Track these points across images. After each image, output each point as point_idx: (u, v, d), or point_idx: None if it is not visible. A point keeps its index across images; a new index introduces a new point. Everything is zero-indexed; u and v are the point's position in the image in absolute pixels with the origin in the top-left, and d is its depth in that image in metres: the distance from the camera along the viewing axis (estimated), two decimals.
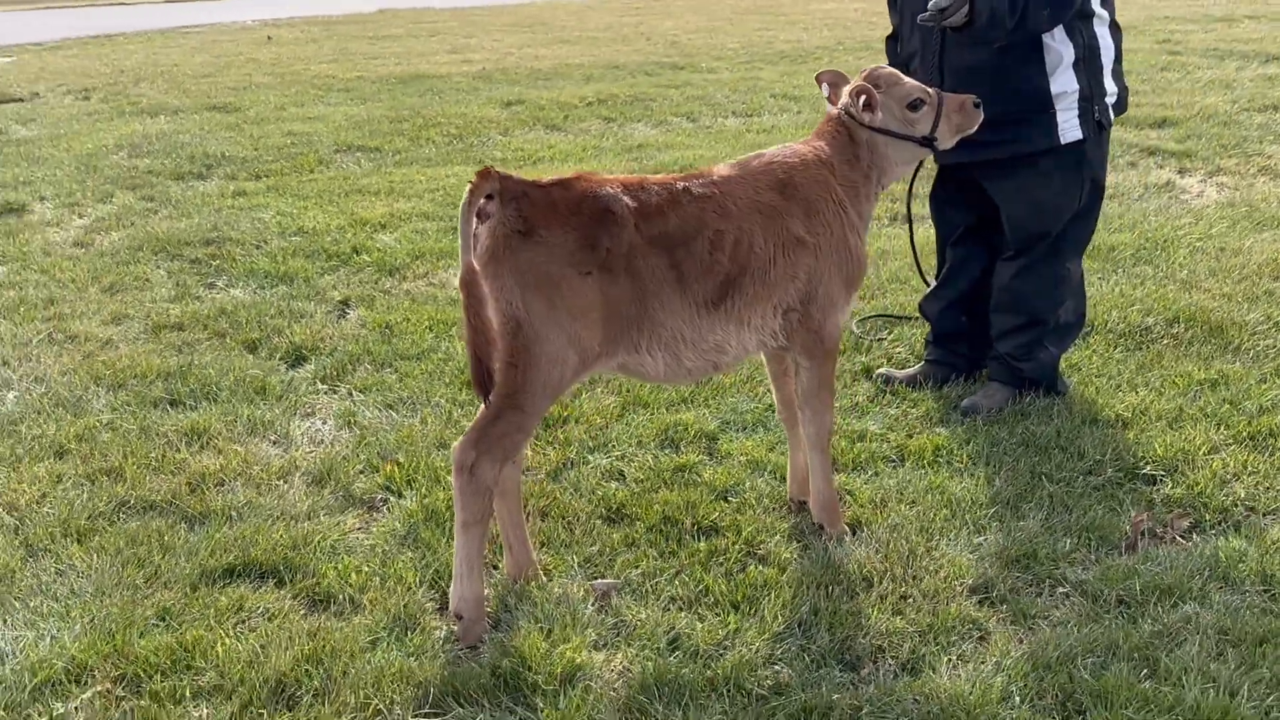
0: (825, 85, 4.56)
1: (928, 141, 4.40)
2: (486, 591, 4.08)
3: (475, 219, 3.80)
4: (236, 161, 10.98)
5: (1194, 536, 4.38)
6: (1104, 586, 4.03)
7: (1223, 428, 5.02)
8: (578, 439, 5.16)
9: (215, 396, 5.65)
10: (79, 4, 37.63)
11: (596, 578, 4.18)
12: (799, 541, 4.37)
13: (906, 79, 4.46)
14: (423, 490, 4.73)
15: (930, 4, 4.72)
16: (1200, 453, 4.85)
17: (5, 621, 3.89)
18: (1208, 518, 4.48)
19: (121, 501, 4.66)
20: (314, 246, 8.06)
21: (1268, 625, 3.78)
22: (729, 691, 3.55)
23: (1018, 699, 3.49)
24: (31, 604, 3.99)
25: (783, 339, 4.27)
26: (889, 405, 5.42)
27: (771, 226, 4.13)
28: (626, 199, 3.90)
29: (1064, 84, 5.00)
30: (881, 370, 5.68)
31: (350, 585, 4.11)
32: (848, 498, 4.65)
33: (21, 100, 15.42)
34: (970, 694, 3.52)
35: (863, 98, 4.32)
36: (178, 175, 10.54)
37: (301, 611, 3.98)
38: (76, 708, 3.44)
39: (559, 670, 3.63)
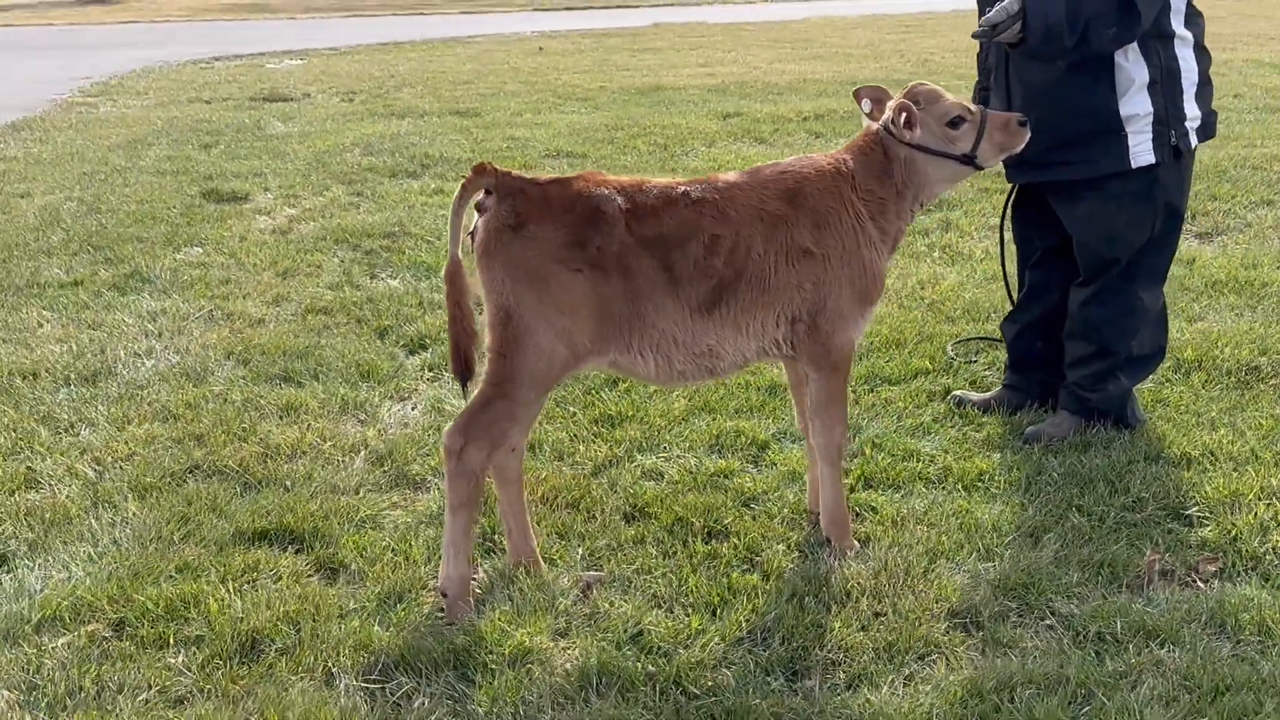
0: (866, 101, 4.54)
1: (968, 159, 4.32)
2: (480, 574, 4.24)
3: (476, 213, 3.99)
4: (450, 162, 11.47)
5: (1216, 582, 4.17)
6: (1089, 622, 3.91)
7: None
8: (631, 438, 5.26)
9: (323, 377, 5.99)
10: (382, 13, 39.73)
11: (592, 569, 4.28)
12: (801, 553, 4.37)
13: (947, 96, 4.40)
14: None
15: (983, 19, 4.64)
16: (1250, 497, 4.60)
17: (45, 561, 4.28)
18: (1238, 564, 4.26)
19: (195, 465, 5.01)
20: None
21: (1234, 674, 3.60)
22: (664, 688, 3.61)
23: None
24: (73, 549, 4.37)
25: (789, 349, 4.29)
26: (953, 427, 5.33)
27: (774, 235, 4.15)
28: (619, 199, 4.00)
29: (1136, 106, 4.84)
30: (956, 393, 5.58)
31: (363, 557, 4.34)
32: (868, 514, 4.62)
33: (291, 100, 16.45)
34: (894, 713, 3.49)
35: (904, 115, 4.30)
36: (393, 173, 11.08)
37: (310, 577, 4.23)
38: (66, 644, 3.77)
39: (509, 651, 3.76)
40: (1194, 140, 4.95)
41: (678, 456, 5.11)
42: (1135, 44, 4.79)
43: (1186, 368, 5.80)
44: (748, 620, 3.94)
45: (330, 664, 3.71)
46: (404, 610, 4.03)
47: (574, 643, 3.84)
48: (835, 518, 4.44)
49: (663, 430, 5.36)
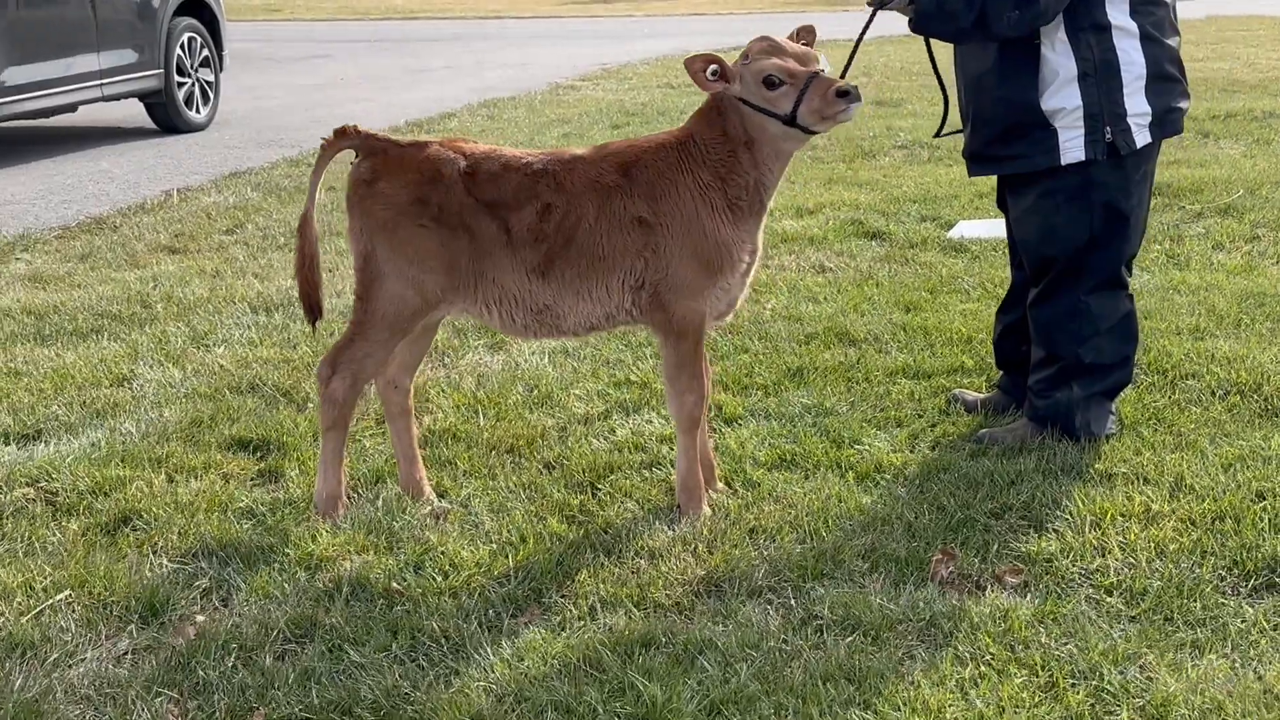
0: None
1: (790, 121, 4.25)
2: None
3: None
4: (816, 149, 11.63)
5: (1001, 593, 3.98)
6: (814, 606, 3.90)
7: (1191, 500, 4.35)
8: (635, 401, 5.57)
9: (459, 327, 6.60)
10: None
11: (444, 501, 4.72)
12: (653, 516, 4.55)
13: (779, 55, 4.28)
14: (460, 416, 5.44)
15: None
16: (1116, 517, 4.28)
17: (71, 435, 5.32)
18: (1043, 579, 4.03)
19: (270, 384, 5.89)
20: None
21: (841, 664, 3.53)
22: (397, 604, 4.02)
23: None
24: (112, 424, 5.38)
25: (636, 315, 4.50)
26: (922, 423, 5.22)
27: (607, 205, 4.37)
28: (462, 164, 4.41)
29: (1063, 100, 4.58)
30: (955, 391, 5.41)
31: (306, 469, 5.03)
32: (750, 489, 4.69)
33: None
34: (542, 649, 3.73)
35: (711, 67, 4.30)
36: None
37: (242, 478, 4.97)
38: (11, 500, 4.75)
39: (300, 556, 4.31)
40: (1141, 138, 4.59)
41: (656, 428, 5.31)
42: (1064, 34, 4.54)
43: (1223, 391, 5.25)
44: (528, 561, 4.22)
45: (165, 541, 4.42)
46: (278, 516, 4.66)
47: (366, 560, 4.30)
48: (685, 484, 4.58)
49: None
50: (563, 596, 4.03)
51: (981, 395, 5.31)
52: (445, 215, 4.37)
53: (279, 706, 3.48)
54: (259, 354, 6.25)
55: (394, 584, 4.12)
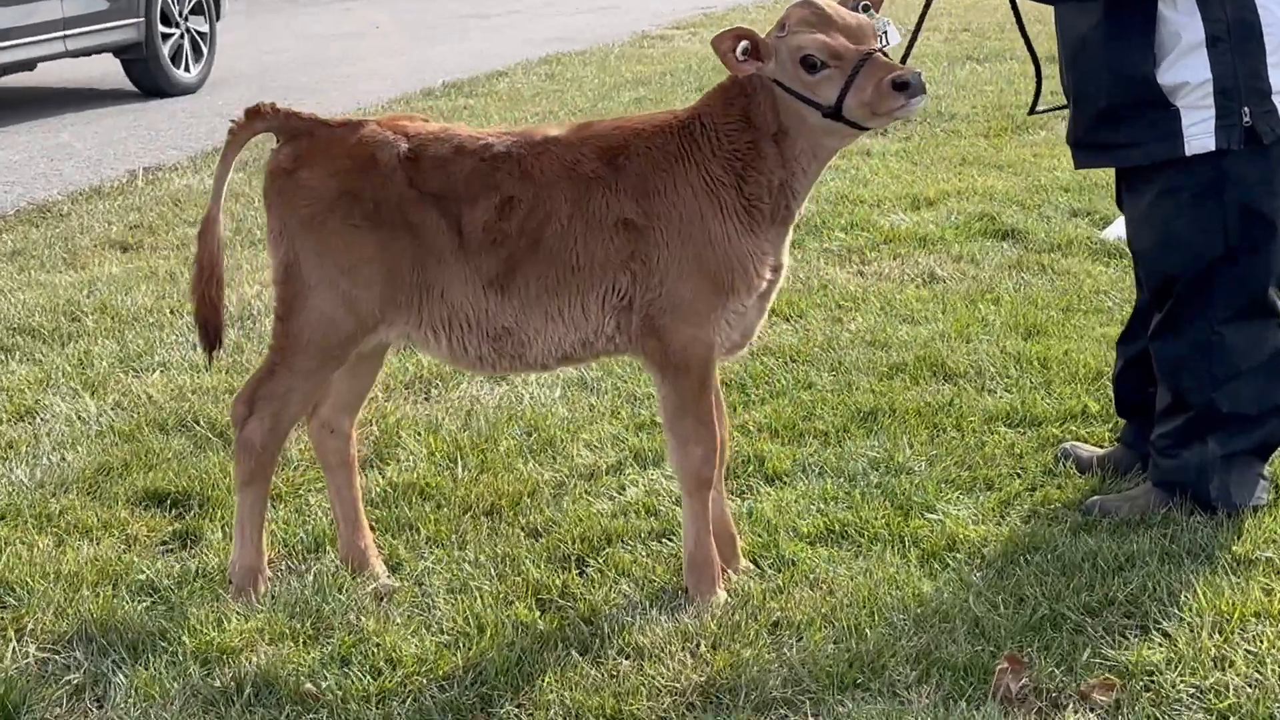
0: None
1: (834, 114, 4.17)
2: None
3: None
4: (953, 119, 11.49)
5: (1084, 715, 3.89)
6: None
7: None
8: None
9: None
10: None
11: (386, 579, 4.73)
12: (655, 602, 4.53)
13: (825, 28, 4.18)
14: (434, 467, 5.49)
15: None
16: (1255, 618, 4.20)
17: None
18: (1144, 701, 3.93)
19: (205, 421, 5.96)
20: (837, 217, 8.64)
21: None
22: (316, 708, 4.03)
23: None
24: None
25: (622, 344, 4.46)
26: (1018, 485, 5.12)
27: (583, 200, 4.33)
28: (403, 147, 4.39)
29: (1184, 72, 4.50)
30: (1066, 444, 5.30)
31: (230, 532, 5.05)
32: (788, 567, 4.65)
33: None
34: None
35: (741, 43, 4.20)
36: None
37: (150, 542, 5.03)
38: None
39: (198, 646, 4.33)
40: None
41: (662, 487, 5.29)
42: None
43: None
44: (482, 658, 4.22)
45: (36, 624, 4.49)
46: (185, 591, 4.71)
47: (280, 651, 4.32)
48: (694, 560, 4.53)
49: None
50: (518, 706, 4.03)
51: (1100, 451, 5.21)
52: (382, 212, 4.37)
53: None
54: (200, 382, 6.34)
55: (309, 685, 4.12)
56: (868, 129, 4.31)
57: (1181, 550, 4.57)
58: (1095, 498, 4.90)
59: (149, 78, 13.94)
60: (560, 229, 4.34)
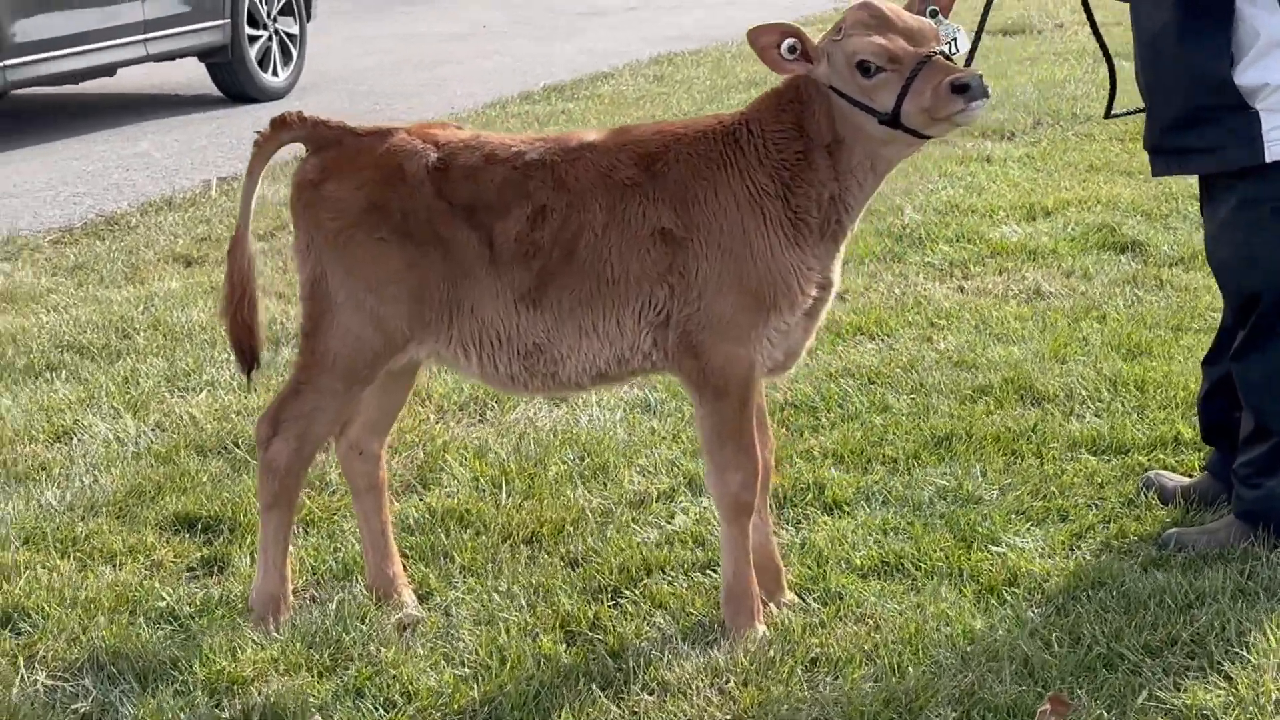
0: None
1: (893, 121, 4.25)
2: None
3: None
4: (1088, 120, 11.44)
5: None
6: None
7: None
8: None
9: None
10: None
11: (412, 610, 4.90)
12: (689, 636, 4.66)
13: (883, 30, 4.28)
14: (477, 493, 5.66)
15: None
16: None
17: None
18: None
19: (246, 443, 6.18)
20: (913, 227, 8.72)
21: None
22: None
23: None
24: (31, 492, 5.77)
25: (659, 361, 4.59)
26: (1094, 517, 5.18)
27: (619, 209, 4.46)
28: (432, 156, 4.56)
29: (1265, 73, 4.57)
30: (1150, 473, 5.34)
31: (252, 556, 5.27)
32: (834, 601, 4.75)
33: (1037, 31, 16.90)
34: None
35: (788, 40, 4.33)
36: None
37: (175, 569, 5.25)
38: None
39: (208, 676, 4.52)
40: None
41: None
42: None
43: None
44: (499, 691, 4.37)
45: (49, 651, 4.72)
46: (205, 619, 4.92)
47: (293, 682, 4.49)
48: (732, 591, 4.64)
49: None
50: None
51: (1186, 480, 5.24)
52: (411, 225, 4.54)
53: None
54: (246, 402, 6.55)
55: (317, 716, 4.29)
56: (928, 137, 4.37)
57: (1259, 587, 4.62)
58: (1173, 530, 4.94)
59: (235, 83, 14.30)
60: (594, 239, 4.47)
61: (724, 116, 4.62)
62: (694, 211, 4.46)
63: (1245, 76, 4.60)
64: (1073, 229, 8.51)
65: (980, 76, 4.17)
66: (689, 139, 4.54)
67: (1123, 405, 6.01)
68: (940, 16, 4.45)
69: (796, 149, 4.46)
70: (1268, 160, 4.59)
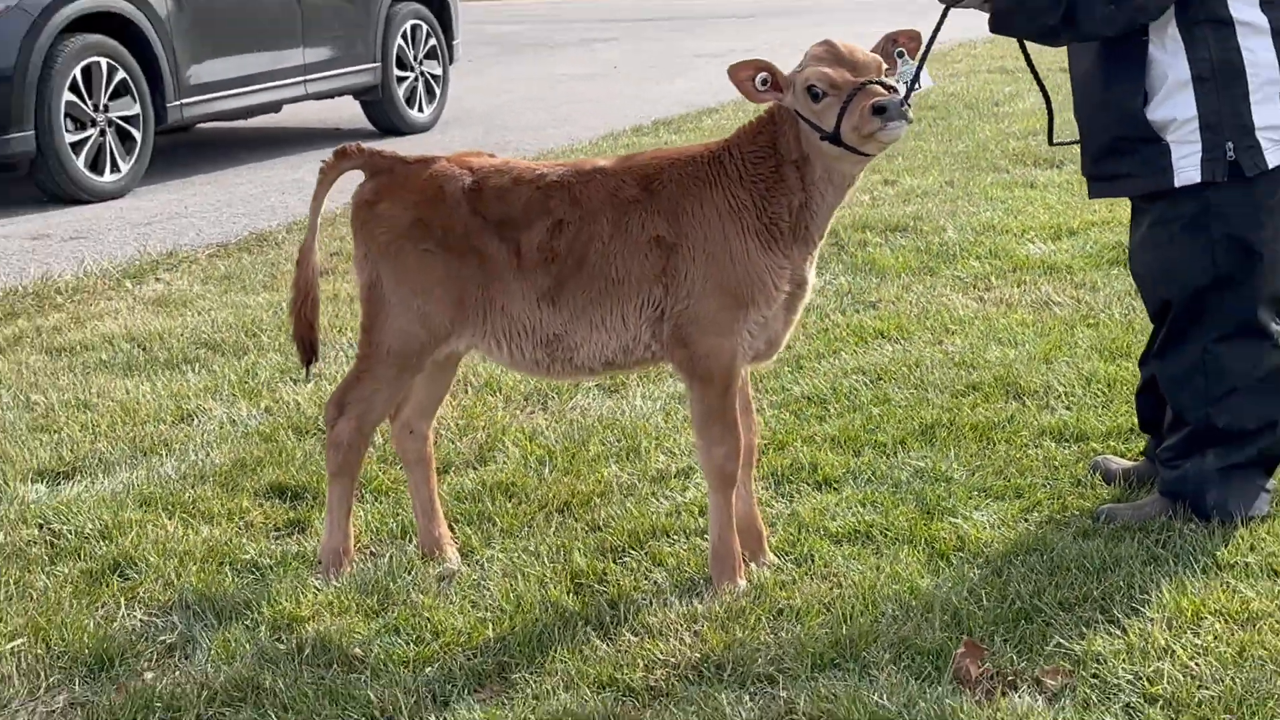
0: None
1: (835, 139, 4.52)
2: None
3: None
4: None
5: (1027, 698, 4.20)
6: (797, 698, 4.21)
7: None
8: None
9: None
10: None
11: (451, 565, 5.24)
12: (679, 589, 4.95)
13: (832, 62, 4.57)
14: (524, 468, 5.98)
15: None
16: (1213, 616, 4.43)
17: (106, 474, 6.13)
18: (1088, 686, 4.22)
19: None
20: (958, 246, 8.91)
21: None
22: (360, 669, 4.57)
23: None
24: (151, 464, 6.18)
25: (657, 351, 4.91)
26: (1044, 494, 5.39)
27: (623, 221, 4.80)
28: (467, 180, 4.93)
29: (1173, 109, 4.73)
30: (1098, 458, 5.54)
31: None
32: (806, 563, 5.01)
33: None
34: None
35: (760, 74, 4.64)
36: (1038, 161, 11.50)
37: (264, 528, 5.64)
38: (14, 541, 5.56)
39: (271, 614, 4.92)
40: (1274, 157, 4.70)
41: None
42: (1175, 30, 4.69)
43: None
44: (510, 632, 4.71)
45: (147, 593, 5.13)
46: (281, 570, 5.30)
47: (343, 622, 4.84)
48: (717, 552, 4.93)
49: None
50: (531, 673, 4.46)
51: (1129, 464, 5.42)
52: (450, 238, 4.90)
53: None
54: None
55: (357, 650, 4.65)
56: (867, 154, 4.63)
57: (1169, 554, 4.78)
58: (1107, 505, 5.12)
59: (385, 118, 14.82)
60: (602, 247, 4.81)
61: (712, 144, 4.93)
62: (684, 222, 4.78)
63: (1156, 113, 4.79)
64: (1090, 247, 8.65)
65: (898, 102, 4.45)
66: (681, 162, 4.87)
67: (1091, 400, 6.18)
68: (905, 56, 4.75)
69: (770, 165, 4.75)
70: (1176, 185, 4.77)
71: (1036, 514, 5.26)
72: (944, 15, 4.86)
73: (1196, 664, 4.19)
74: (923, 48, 4.84)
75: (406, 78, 14.94)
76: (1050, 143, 5.35)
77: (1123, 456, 5.62)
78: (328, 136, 14.98)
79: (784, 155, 4.73)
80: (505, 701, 4.33)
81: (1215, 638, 4.31)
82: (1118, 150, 4.86)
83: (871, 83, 4.54)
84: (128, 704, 4.38)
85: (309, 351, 5.22)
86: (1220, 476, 4.91)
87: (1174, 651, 4.26)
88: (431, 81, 15.31)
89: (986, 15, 4.84)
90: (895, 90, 4.58)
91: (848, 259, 8.88)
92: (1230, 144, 4.69)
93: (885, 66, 4.67)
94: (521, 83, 18.47)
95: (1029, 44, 5.17)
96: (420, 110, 15.11)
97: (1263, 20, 4.66)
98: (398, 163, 5.05)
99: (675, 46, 21.45)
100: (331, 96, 14.48)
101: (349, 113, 15.67)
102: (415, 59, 15.04)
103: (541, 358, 4.95)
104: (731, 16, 26.61)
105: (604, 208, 4.82)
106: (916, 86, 4.76)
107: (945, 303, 7.80)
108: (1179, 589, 4.56)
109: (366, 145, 5.12)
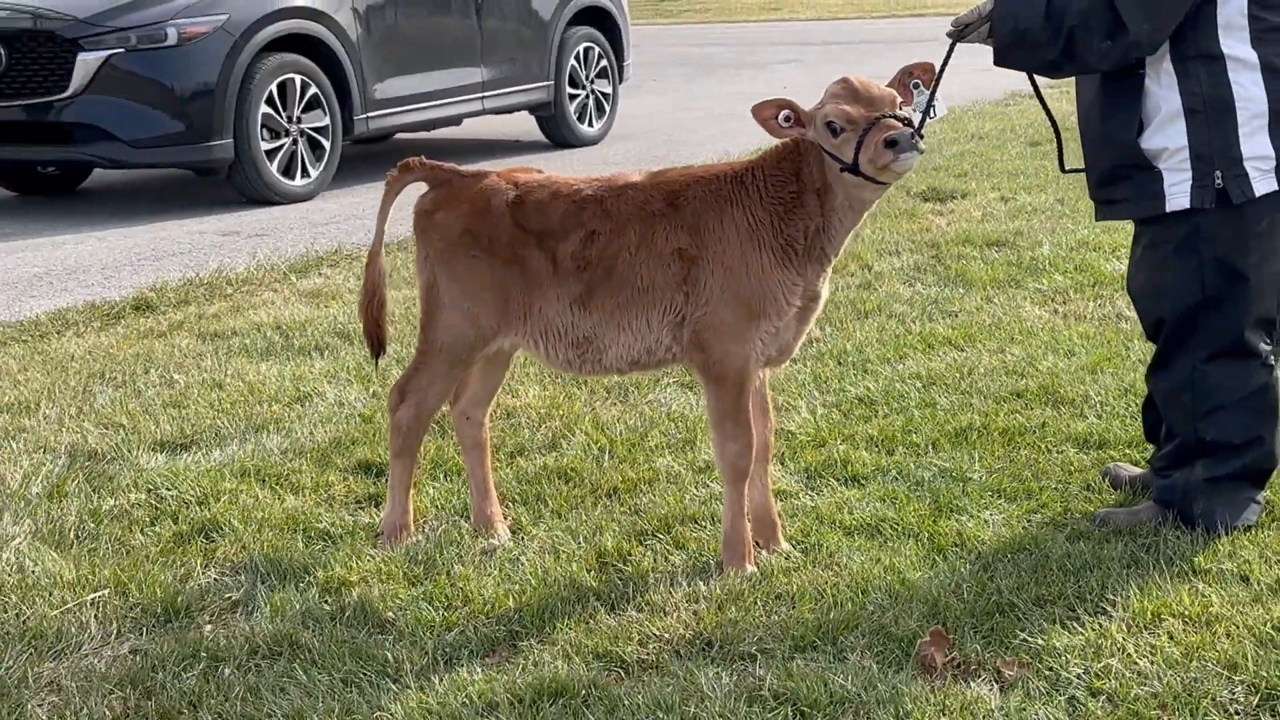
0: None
1: (854, 170, 4.55)
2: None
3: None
4: None
5: (984, 687, 4.16)
6: (765, 675, 4.23)
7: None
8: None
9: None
10: None
11: (495, 541, 5.34)
12: (693, 572, 4.99)
13: (850, 99, 4.58)
14: (584, 456, 6.04)
15: (955, 18, 4.80)
16: (1173, 618, 4.32)
17: (217, 447, 6.36)
18: (1040, 678, 4.16)
19: None
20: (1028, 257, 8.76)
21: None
22: (391, 632, 4.70)
23: None
24: (259, 439, 6.40)
25: (678, 354, 4.96)
26: (1054, 497, 5.30)
27: (649, 233, 4.85)
28: (511, 194, 5.04)
29: (1166, 139, 4.65)
30: (1110, 465, 5.42)
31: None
32: (813, 553, 5.01)
33: None
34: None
35: (783, 112, 4.68)
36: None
37: (345, 501, 5.80)
38: (120, 504, 5.81)
39: (324, 578, 5.07)
40: (1262, 185, 4.60)
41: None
42: (1169, 64, 4.63)
43: None
44: (527, 604, 4.79)
45: (225, 554, 5.32)
46: (349, 539, 5.45)
47: (387, 588, 4.97)
48: (729, 539, 4.96)
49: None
50: (536, 641, 4.53)
51: (1138, 471, 5.30)
52: (495, 247, 5.00)
53: (202, 715, 4.22)
54: None
55: (390, 614, 4.77)
56: (884, 182, 4.63)
57: (1151, 559, 4.68)
58: (1106, 509, 5.03)
59: (557, 132, 15.03)
60: (630, 257, 4.87)
61: (736, 164, 4.95)
62: (705, 236, 4.81)
63: (1150, 142, 4.71)
64: None
65: (910, 134, 4.42)
66: (706, 180, 4.89)
67: (1123, 410, 6.04)
68: (920, 87, 4.74)
69: (791, 190, 4.76)
70: (1168, 210, 4.69)
71: (1041, 516, 5.17)
72: (951, 49, 4.84)
73: (1144, 662, 4.10)
74: (935, 79, 4.81)
75: (579, 95, 15.07)
76: (1061, 170, 5.25)
77: (1136, 465, 5.47)
78: (506, 148, 15.22)
79: (806, 183, 4.75)
80: (507, 667, 4.39)
81: (1170, 638, 4.21)
82: (1117, 176, 4.79)
83: (885, 117, 4.52)
84: (177, 652, 4.53)
85: (376, 347, 5.35)
86: (1208, 487, 4.79)
87: (1127, 650, 4.17)
88: (601, 99, 15.45)
89: (991, 50, 4.77)
90: (910, 122, 4.56)
91: (942, 270, 8.76)
92: (1219, 173, 4.61)
93: (899, 100, 4.64)
94: (695, 99, 18.52)
95: (1038, 78, 5.08)
96: (590, 125, 15.28)
97: (1253, 56, 4.57)
98: (455, 176, 5.16)
99: (849, 69, 21.15)
100: (508, 112, 14.70)
101: (525, 126, 15.86)
102: (587, 78, 15.19)
103: (573, 357, 5.02)
104: (914, 41, 26.30)
105: (632, 220, 4.87)
106: (932, 115, 4.77)
107: (1020, 314, 7.67)
108: (1145, 592, 4.46)
109: (428, 160, 5.19)
